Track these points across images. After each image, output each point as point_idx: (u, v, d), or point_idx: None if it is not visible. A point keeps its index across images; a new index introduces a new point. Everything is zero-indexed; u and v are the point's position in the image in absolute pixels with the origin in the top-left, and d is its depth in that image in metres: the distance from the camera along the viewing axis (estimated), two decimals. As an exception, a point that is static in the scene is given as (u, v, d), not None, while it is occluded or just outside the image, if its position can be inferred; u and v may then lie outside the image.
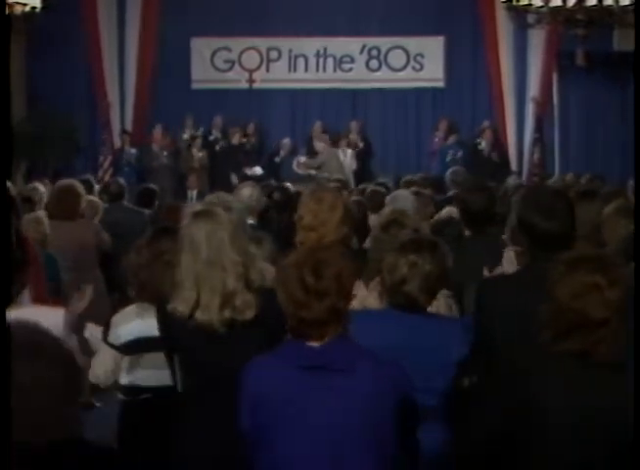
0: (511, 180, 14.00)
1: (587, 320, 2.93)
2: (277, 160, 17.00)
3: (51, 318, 3.68)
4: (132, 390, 4.22)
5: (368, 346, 3.36)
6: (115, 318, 4.26)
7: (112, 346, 4.18)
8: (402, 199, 7.24)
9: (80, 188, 7.66)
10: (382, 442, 3.05)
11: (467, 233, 5.26)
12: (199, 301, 3.66)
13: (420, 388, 3.50)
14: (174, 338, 3.83)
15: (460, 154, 16.48)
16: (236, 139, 16.88)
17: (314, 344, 3.06)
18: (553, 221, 3.73)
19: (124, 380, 4.23)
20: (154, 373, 4.15)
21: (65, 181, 7.97)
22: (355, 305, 4.04)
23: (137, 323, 4.16)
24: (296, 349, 3.09)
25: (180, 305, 3.69)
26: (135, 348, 4.18)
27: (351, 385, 3.02)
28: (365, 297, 4.12)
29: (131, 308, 4.24)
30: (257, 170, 16.56)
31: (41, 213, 6.94)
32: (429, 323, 3.69)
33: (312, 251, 3.28)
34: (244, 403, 3.18)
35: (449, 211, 6.79)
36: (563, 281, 2.99)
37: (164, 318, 3.82)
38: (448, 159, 16.18)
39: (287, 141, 17.15)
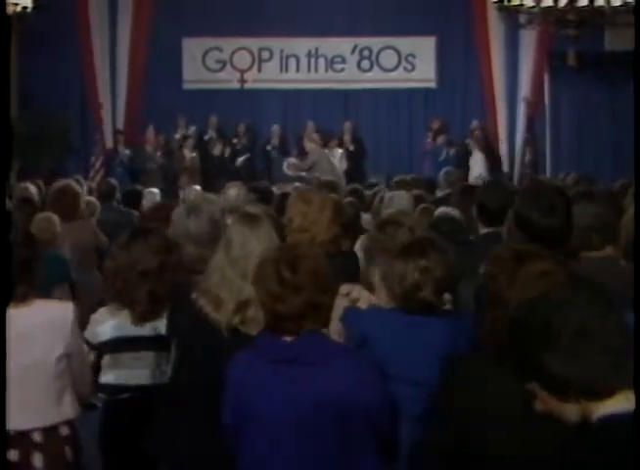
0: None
1: None
2: (268, 148, 17.10)
3: (61, 314, 3.73)
4: (112, 388, 4.23)
5: (377, 345, 3.36)
6: (93, 317, 4.29)
7: (87, 343, 4.19)
8: (398, 200, 7.24)
9: (78, 188, 7.62)
10: (352, 438, 3.05)
11: (483, 230, 5.24)
12: (219, 297, 3.69)
13: (433, 385, 3.51)
14: (183, 325, 3.85)
15: (453, 152, 16.52)
16: (217, 150, 16.94)
17: (288, 338, 3.07)
18: (553, 218, 3.73)
19: (104, 379, 4.23)
20: (133, 372, 4.18)
21: (62, 182, 7.94)
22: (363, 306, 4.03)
23: (112, 323, 4.19)
24: (268, 343, 3.11)
25: (202, 297, 3.73)
26: (111, 347, 4.19)
27: (322, 379, 3.02)
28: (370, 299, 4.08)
29: (106, 308, 4.26)
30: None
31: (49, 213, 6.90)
32: (437, 321, 3.63)
33: (289, 247, 3.33)
34: (226, 398, 3.22)
35: (443, 210, 6.77)
36: (512, 278, 2.90)
37: (180, 305, 3.85)
38: (442, 158, 16.21)
39: (276, 127, 17.21)
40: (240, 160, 16.90)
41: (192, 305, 3.72)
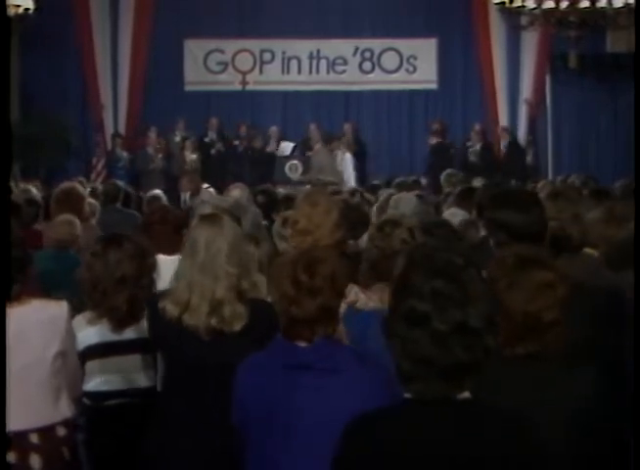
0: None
1: (541, 322, 2.89)
2: (268, 150, 17.03)
3: (56, 311, 3.74)
4: (98, 395, 4.16)
5: (365, 346, 3.36)
6: None
7: None
8: (406, 202, 7.22)
9: (83, 191, 7.56)
10: None
11: (483, 232, 5.23)
12: (188, 304, 3.67)
13: None
14: (161, 337, 3.84)
15: (454, 154, 16.50)
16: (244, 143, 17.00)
17: (302, 343, 3.06)
18: (530, 215, 3.77)
19: (89, 386, 4.15)
20: (119, 377, 4.14)
21: (67, 184, 7.89)
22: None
23: (88, 331, 4.12)
24: (283, 348, 3.10)
25: (170, 305, 3.70)
26: (90, 354, 4.13)
27: (337, 385, 3.01)
28: (366, 302, 4.07)
29: (82, 316, 4.18)
30: (287, 147, 16.66)
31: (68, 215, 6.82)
32: None
33: (307, 250, 3.30)
34: (235, 400, 3.21)
35: (453, 212, 6.74)
36: (513, 284, 2.91)
37: (154, 317, 3.83)
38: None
39: (274, 129, 17.15)
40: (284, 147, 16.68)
41: (164, 314, 3.70)
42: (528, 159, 16.79)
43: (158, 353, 4.07)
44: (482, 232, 5.23)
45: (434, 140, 16.69)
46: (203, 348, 3.64)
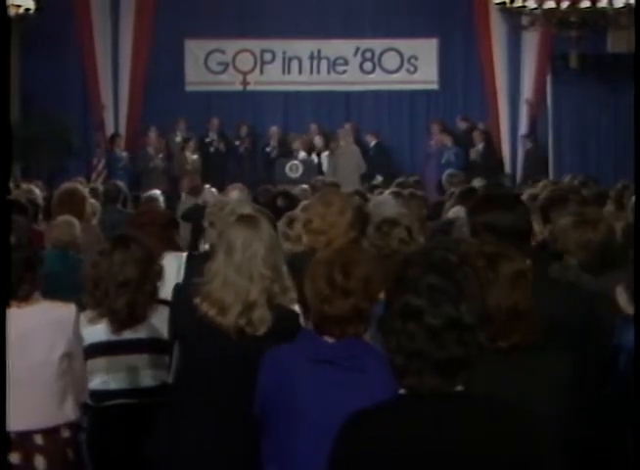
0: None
1: (518, 313, 2.94)
2: (268, 149, 17.04)
3: (64, 313, 3.74)
4: (101, 394, 4.15)
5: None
6: None
7: None
8: (385, 204, 7.24)
9: (84, 191, 7.57)
10: None
11: None
12: (222, 302, 3.67)
13: None
14: (187, 332, 3.83)
15: (455, 155, 16.49)
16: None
17: (330, 339, 3.10)
18: (516, 214, 3.79)
19: (91, 385, 4.12)
20: (124, 376, 4.12)
21: (68, 184, 7.89)
22: None
23: (90, 329, 4.08)
24: (310, 342, 3.14)
25: (203, 302, 3.71)
26: (92, 353, 4.10)
27: (360, 383, 3.05)
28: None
29: (82, 315, 4.09)
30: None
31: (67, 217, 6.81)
32: None
33: (344, 250, 3.34)
34: (258, 391, 3.25)
35: (457, 210, 6.71)
36: (490, 280, 2.94)
37: (181, 311, 3.84)
38: (443, 161, 16.19)
39: (274, 129, 17.16)
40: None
41: (195, 309, 3.70)
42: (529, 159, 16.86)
43: (174, 351, 4.04)
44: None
45: (372, 142, 16.83)
46: (230, 347, 3.65)
